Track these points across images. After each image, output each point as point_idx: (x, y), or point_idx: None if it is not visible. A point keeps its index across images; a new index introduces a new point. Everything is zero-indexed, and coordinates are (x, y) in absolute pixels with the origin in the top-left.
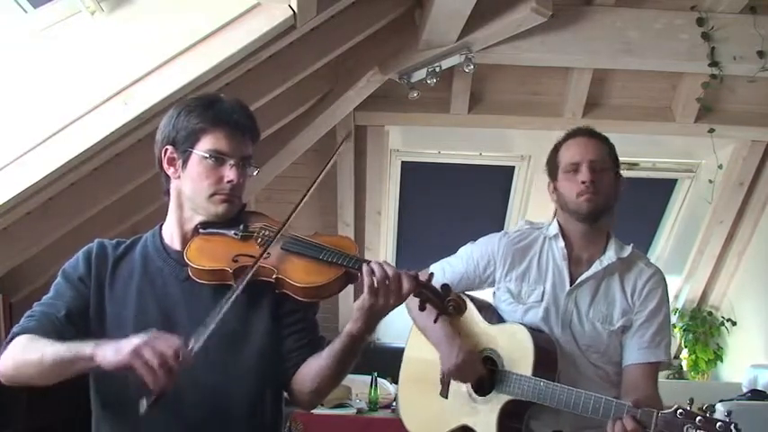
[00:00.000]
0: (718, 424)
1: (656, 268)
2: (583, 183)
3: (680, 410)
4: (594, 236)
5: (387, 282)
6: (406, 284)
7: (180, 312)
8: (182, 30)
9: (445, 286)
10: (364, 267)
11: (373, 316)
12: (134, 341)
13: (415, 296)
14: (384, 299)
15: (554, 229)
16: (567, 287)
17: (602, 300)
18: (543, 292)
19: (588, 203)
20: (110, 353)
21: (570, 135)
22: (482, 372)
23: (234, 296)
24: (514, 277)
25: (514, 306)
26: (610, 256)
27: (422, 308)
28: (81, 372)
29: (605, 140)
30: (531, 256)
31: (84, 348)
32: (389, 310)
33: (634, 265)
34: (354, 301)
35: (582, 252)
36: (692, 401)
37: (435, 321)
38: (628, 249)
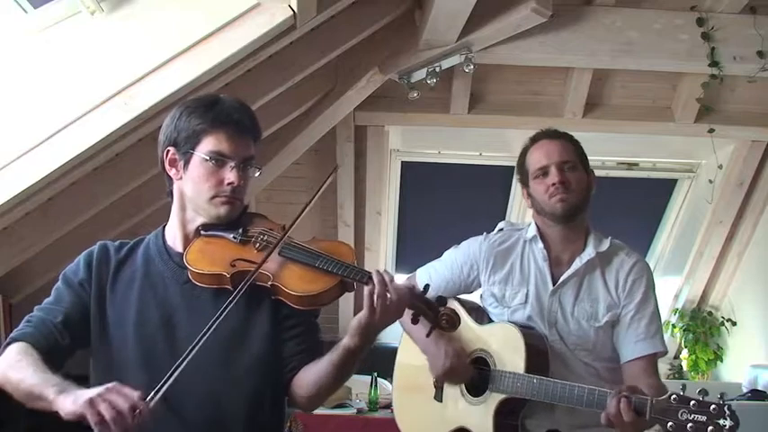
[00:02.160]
0: (712, 407)
1: (637, 257)
2: (553, 185)
3: (674, 396)
4: (573, 235)
5: (388, 301)
6: (403, 299)
7: (180, 315)
8: (182, 30)
9: (440, 299)
10: (366, 289)
11: (371, 332)
12: (91, 392)
13: (408, 308)
14: (382, 316)
15: (532, 231)
16: (551, 288)
17: (585, 297)
18: (527, 294)
19: (562, 203)
20: (68, 402)
21: (534, 139)
22: (471, 373)
23: (220, 316)
24: (497, 281)
25: (500, 309)
26: (589, 252)
27: (415, 321)
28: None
29: (570, 139)
30: (513, 259)
31: (49, 391)
32: (386, 326)
33: (614, 257)
34: (354, 303)
35: (562, 252)
36: (684, 387)
37: (428, 336)
38: (606, 242)
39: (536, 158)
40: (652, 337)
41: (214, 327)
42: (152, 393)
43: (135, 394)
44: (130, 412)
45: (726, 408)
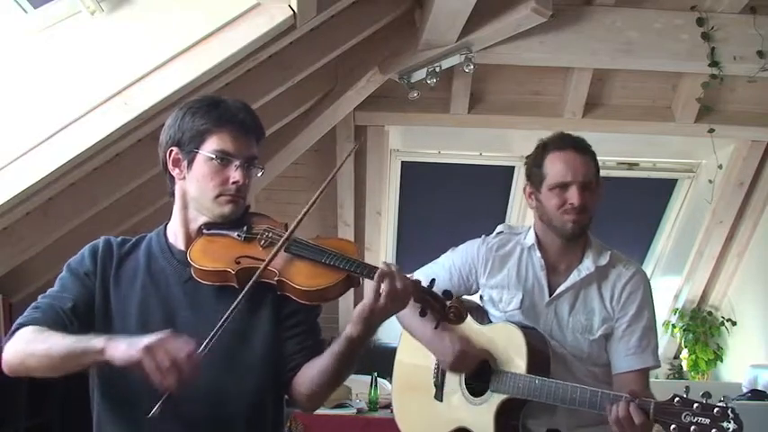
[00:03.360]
0: (716, 409)
1: (635, 269)
2: (571, 204)
3: (677, 399)
4: (573, 246)
5: (393, 290)
6: (409, 289)
7: (182, 313)
8: (182, 30)
9: (446, 292)
10: (377, 274)
11: (374, 321)
12: (148, 339)
13: (416, 302)
14: (385, 304)
15: (531, 239)
16: (547, 298)
17: (581, 309)
18: (522, 300)
19: (574, 225)
20: (122, 348)
21: (558, 146)
22: (480, 358)
23: (241, 298)
24: (494, 285)
25: (498, 313)
26: (587, 266)
27: (423, 314)
28: (87, 366)
29: (591, 152)
30: (511, 264)
31: (95, 342)
32: (389, 316)
33: (612, 269)
34: (354, 302)
35: (560, 261)
36: (687, 389)
37: (436, 327)
38: (606, 256)
39: (559, 170)
40: (643, 352)
41: (231, 317)
42: (202, 346)
43: (191, 344)
44: (186, 361)
45: (729, 410)
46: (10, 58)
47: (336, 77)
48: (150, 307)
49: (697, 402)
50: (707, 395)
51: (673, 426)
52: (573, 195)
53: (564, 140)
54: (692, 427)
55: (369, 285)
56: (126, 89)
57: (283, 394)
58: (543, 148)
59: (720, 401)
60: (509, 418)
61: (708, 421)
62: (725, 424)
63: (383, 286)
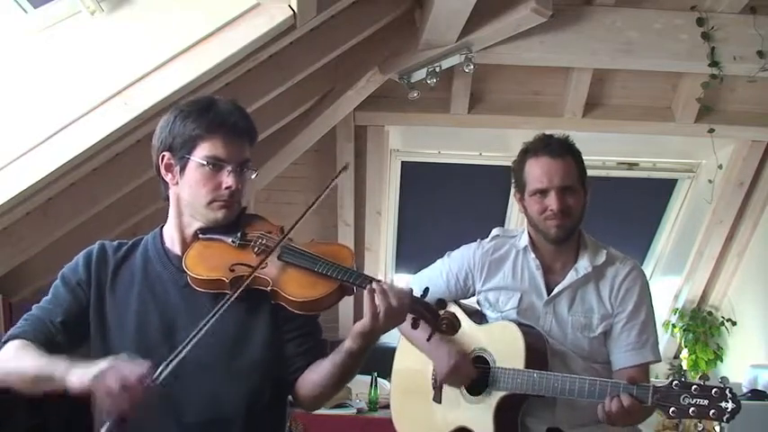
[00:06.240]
0: (714, 390)
1: (632, 265)
2: (552, 211)
3: (675, 382)
4: (565, 247)
5: (389, 309)
6: (405, 305)
7: (180, 318)
8: (182, 30)
9: (440, 301)
10: (366, 294)
11: (373, 336)
12: (100, 365)
13: (409, 313)
14: (384, 322)
15: (524, 241)
16: (545, 297)
17: (579, 308)
18: (519, 299)
19: (557, 229)
20: (75, 377)
21: (534, 152)
22: (474, 374)
23: (213, 318)
24: (491, 287)
25: (495, 314)
26: (585, 266)
27: (415, 326)
28: (58, 390)
29: (571, 153)
30: (506, 267)
31: (58, 369)
32: (388, 331)
33: (609, 267)
34: (354, 304)
35: (555, 261)
36: (684, 376)
37: (428, 339)
38: (602, 255)
39: (536, 176)
40: (642, 347)
41: (211, 322)
42: (160, 368)
43: (144, 367)
44: (138, 384)
45: (727, 391)
46: (10, 58)
47: (336, 77)
48: (148, 314)
49: (695, 385)
50: (705, 377)
51: (672, 409)
52: (552, 201)
53: (540, 145)
54: (691, 409)
55: (366, 302)
56: (126, 89)
57: (286, 396)
58: (524, 154)
59: (719, 382)
60: (509, 415)
61: (706, 402)
62: (723, 404)
63: (379, 306)
